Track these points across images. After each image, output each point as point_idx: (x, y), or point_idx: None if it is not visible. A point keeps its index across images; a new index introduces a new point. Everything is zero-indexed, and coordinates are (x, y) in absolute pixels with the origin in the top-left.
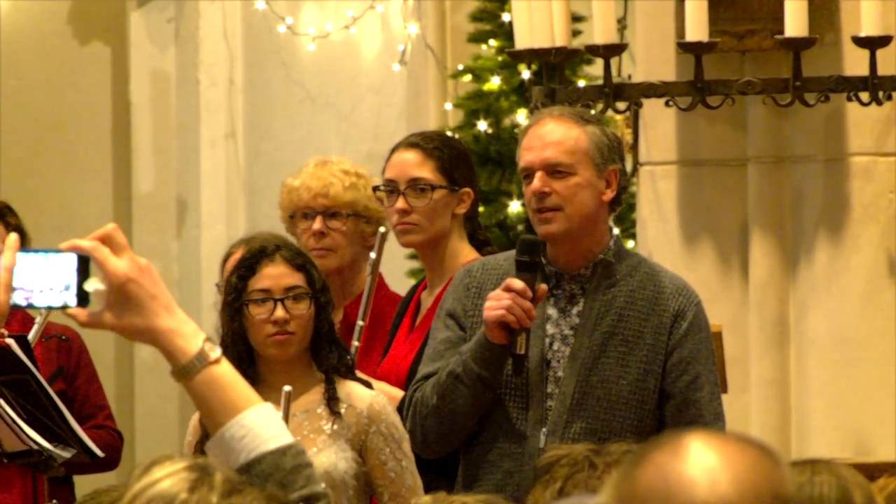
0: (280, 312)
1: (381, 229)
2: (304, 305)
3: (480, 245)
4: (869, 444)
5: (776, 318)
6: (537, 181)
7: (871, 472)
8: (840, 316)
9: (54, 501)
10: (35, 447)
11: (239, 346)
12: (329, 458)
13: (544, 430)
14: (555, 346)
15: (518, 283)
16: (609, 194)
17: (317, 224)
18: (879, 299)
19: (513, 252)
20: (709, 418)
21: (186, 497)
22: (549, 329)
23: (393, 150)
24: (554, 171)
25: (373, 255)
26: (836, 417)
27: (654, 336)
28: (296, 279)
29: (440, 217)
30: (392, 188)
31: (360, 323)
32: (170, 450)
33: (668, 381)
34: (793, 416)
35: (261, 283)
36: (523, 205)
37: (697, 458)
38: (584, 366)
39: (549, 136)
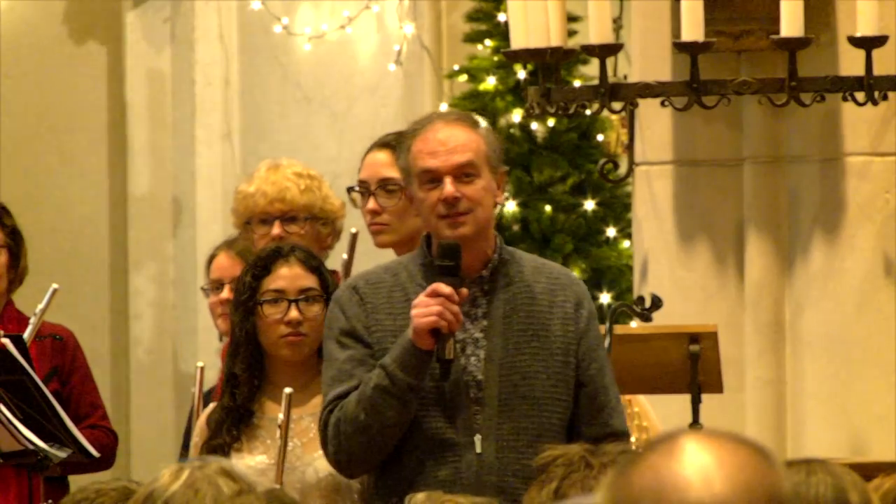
0: (294, 313)
1: (353, 230)
2: (317, 307)
3: None
4: (865, 444)
5: (772, 317)
6: (450, 186)
7: (867, 471)
8: (836, 316)
9: (50, 501)
10: (31, 447)
11: (250, 345)
12: None
13: (478, 435)
14: (468, 351)
15: (446, 288)
16: (500, 196)
17: (276, 229)
18: (875, 299)
19: (393, 263)
20: (615, 403)
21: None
22: (459, 334)
23: (367, 151)
24: (462, 175)
25: (345, 256)
26: (832, 417)
27: (562, 327)
28: (310, 281)
29: (411, 216)
30: (364, 189)
31: None
32: (165, 449)
33: (581, 369)
34: (789, 417)
35: (275, 283)
36: (518, 205)
37: (692, 457)
38: (503, 366)
39: (452, 140)
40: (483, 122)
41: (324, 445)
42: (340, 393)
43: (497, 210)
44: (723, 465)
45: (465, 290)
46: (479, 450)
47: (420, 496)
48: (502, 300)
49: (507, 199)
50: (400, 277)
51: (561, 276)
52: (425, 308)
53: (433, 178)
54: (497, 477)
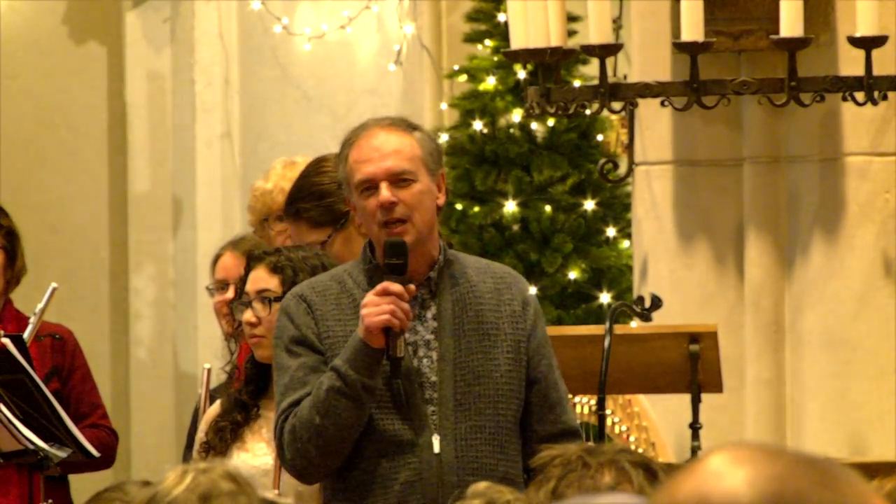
0: (248, 315)
1: None
2: (275, 308)
3: None
4: (865, 444)
5: (772, 318)
6: (385, 191)
7: (868, 471)
8: (836, 316)
9: (50, 501)
10: (31, 447)
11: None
12: None
13: (436, 435)
14: (420, 353)
15: (396, 287)
16: (441, 198)
17: None
18: (875, 299)
19: (337, 271)
20: (565, 399)
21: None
22: (410, 337)
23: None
24: (398, 180)
25: None
26: (832, 417)
27: (511, 325)
28: (271, 283)
29: (350, 252)
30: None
31: None
32: (165, 448)
33: (531, 366)
34: (788, 417)
35: (247, 286)
36: (519, 205)
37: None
38: (457, 366)
39: (385, 146)
40: (419, 126)
41: (280, 453)
42: (294, 400)
43: (439, 211)
44: (760, 473)
45: (412, 287)
46: (437, 450)
47: (482, 485)
48: (450, 301)
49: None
50: (346, 284)
51: (506, 275)
52: (376, 307)
53: (369, 186)
54: (457, 476)
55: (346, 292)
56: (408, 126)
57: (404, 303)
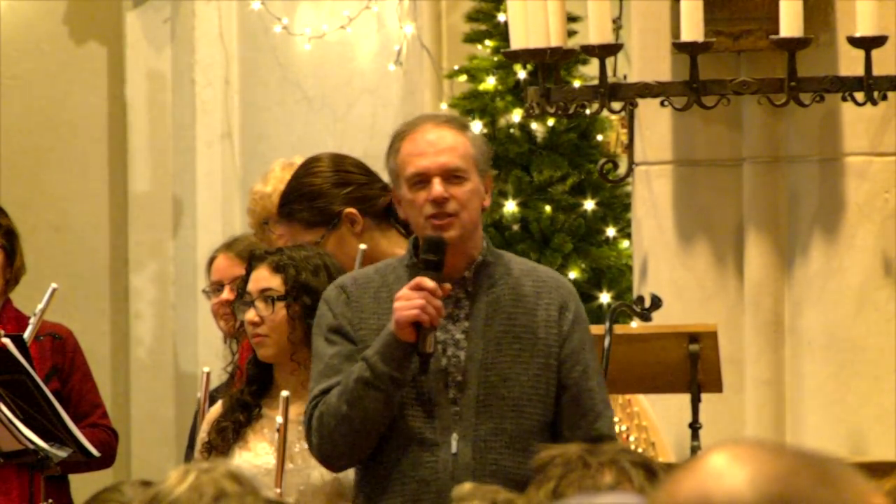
0: (251, 314)
1: (362, 247)
2: (277, 308)
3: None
4: (865, 444)
5: (771, 317)
6: (438, 186)
7: (867, 471)
8: (835, 315)
9: (50, 501)
10: (31, 447)
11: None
12: None
13: (455, 435)
14: (449, 352)
15: (430, 282)
16: (487, 200)
17: None
18: (875, 299)
19: (383, 265)
20: (601, 406)
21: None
22: (440, 335)
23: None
24: (451, 176)
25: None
26: (832, 417)
27: (545, 330)
28: (273, 282)
29: (344, 253)
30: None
31: None
32: (165, 448)
33: (563, 372)
34: (788, 417)
35: (248, 285)
36: (518, 205)
37: (730, 465)
38: (483, 367)
39: (440, 142)
40: (471, 127)
41: (308, 438)
42: (326, 387)
43: (483, 213)
44: (760, 470)
45: (447, 286)
46: (454, 450)
47: (467, 486)
48: (485, 302)
49: (510, 201)
50: (388, 279)
51: (548, 279)
52: (408, 301)
53: (422, 179)
54: (473, 477)
55: (386, 286)
56: (462, 125)
57: (437, 300)
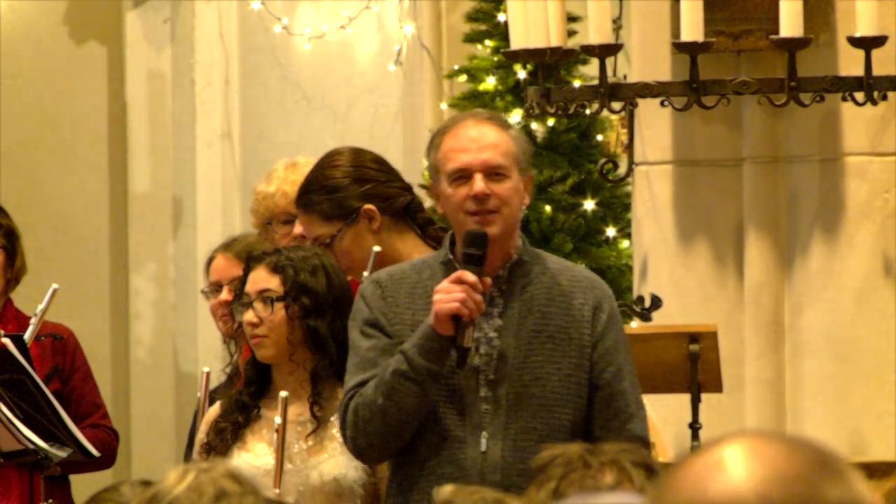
0: (249, 315)
1: (376, 248)
2: (276, 308)
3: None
4: (864, 444)
5: (771, 317)
6: (480, 182)
7: (867, 471)
8: (835, 315)
9: (51, 501)
10: (31, 447)
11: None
12: (339, 465)
13: (484, 433)
14: (482, 350)
15: (471, 276)
16: (527, 199)
17: (297, 228)
18: (875, 299)
19: (419, 261)
20: (633, 408)
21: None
22: (474, 333)
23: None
24: (493, 173)
25: (366, 273)
26: (832, 417)
27: (578, 330)
28: (272, 283)
29: (360, 249)
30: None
31: None
32: (166, 448)
33: (595, 373)
34: (788, 417)
35: (246, 286)
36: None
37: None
38: (515, 366)
39: (483, 138)
40: (513, 125)
41: (343, 430)
42: (362, 380)
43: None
44: (765, 465)
45: (488, 280)
46: (483, 448)
47: (448, 489)
48: (519, 301)
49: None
50: (423, 275)
51: (583, 279)
52: (448, 294)
53: (463, 175)
54: (501, 475)
55: (421, 283)
56: (504, 123)
57: (477, 294)
